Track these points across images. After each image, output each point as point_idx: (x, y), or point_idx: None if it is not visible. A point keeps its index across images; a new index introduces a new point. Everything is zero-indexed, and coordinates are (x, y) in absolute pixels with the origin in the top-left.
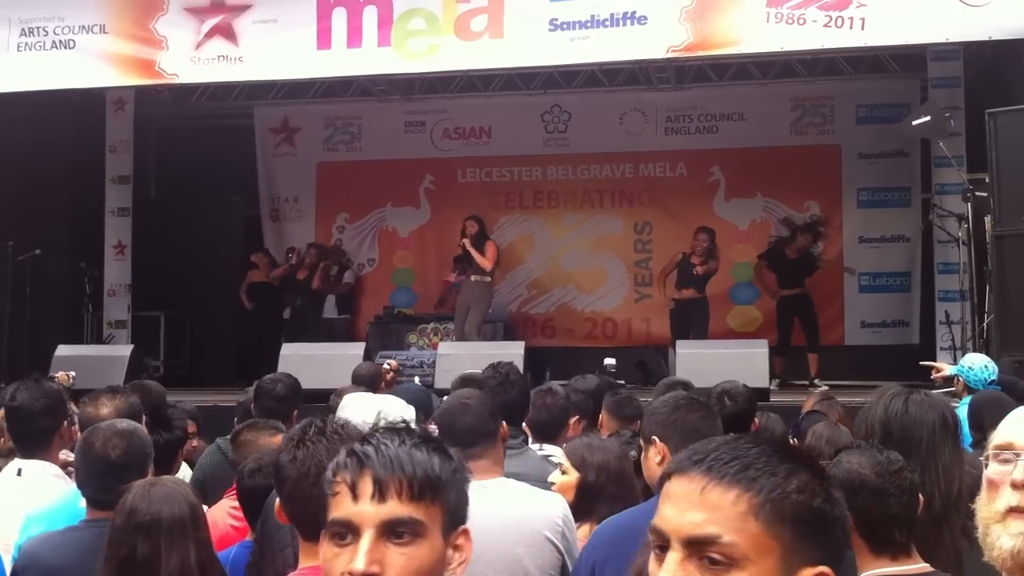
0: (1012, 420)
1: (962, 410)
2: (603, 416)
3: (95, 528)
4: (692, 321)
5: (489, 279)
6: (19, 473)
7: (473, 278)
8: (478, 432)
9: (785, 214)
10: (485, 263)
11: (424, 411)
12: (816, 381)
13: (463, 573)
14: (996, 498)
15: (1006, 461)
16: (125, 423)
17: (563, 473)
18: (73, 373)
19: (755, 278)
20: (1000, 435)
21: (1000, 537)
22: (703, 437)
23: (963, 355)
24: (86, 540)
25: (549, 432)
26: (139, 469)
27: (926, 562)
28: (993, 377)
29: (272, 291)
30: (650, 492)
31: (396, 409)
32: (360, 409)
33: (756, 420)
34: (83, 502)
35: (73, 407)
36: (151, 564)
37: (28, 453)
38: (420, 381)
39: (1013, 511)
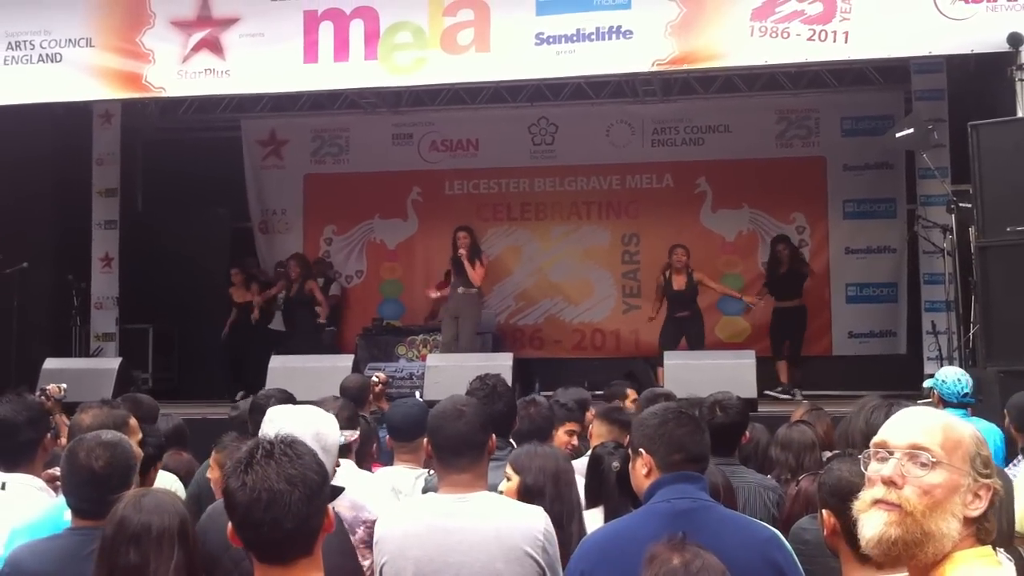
0: (892, 421)
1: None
2: (594, 424)
3: (78, 536)
4: (689, 334)
5: (477, 291)
6: (3, 487)
7: (460, 290)
8: (467, 442)
9: (771, 225)
10: (476, 277)
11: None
12: (795, 391)
13: None
14: (869, 491)
15: (883, 459)
16: (110, 434)
17: (507, 480)
18: (64, 385)
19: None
20: (879, 435)
21: (865, 526)
22: (688, 451)
23: (949, 365)
24: (68, 548)
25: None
26: (122, 480)
27: None
28: (967, 390)
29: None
30: (637, 501)
31: (324, 422)
32: (290, 422)
33: (747, 433)
34: (67, 514)
35: (64, 419)
36: (140, 572)
37: (11, 467)
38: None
39: (878, 502)
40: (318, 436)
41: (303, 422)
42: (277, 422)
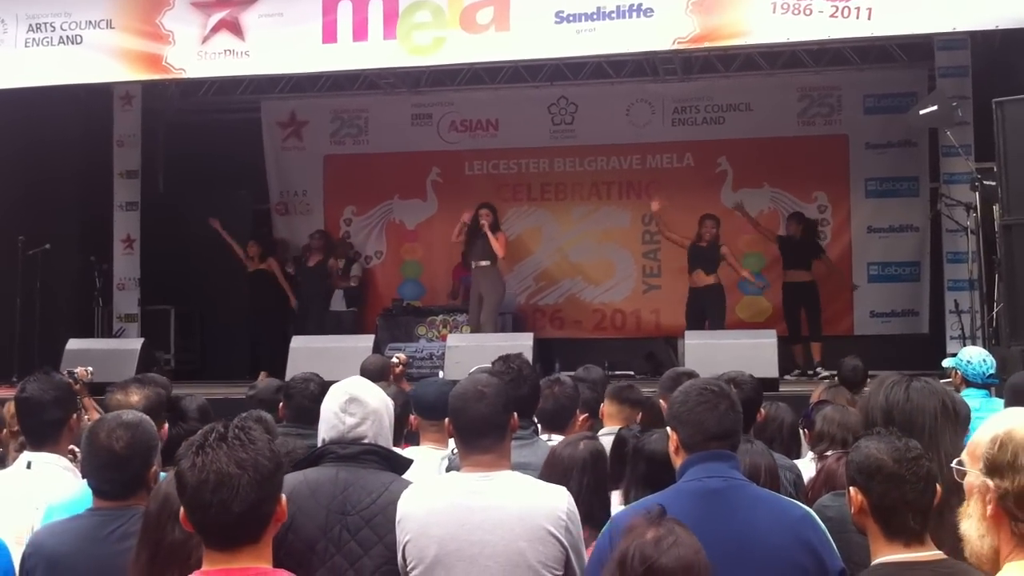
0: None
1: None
2: (606, 404)
3: (98, 517)
4: (708, 309)
5: (493, 264)
6: (28, 466)
7: (480, 264)
8: (490, 423)
9: (792, 204)
10: (499, 248)
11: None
12: (819, 369)
13: None
14: None
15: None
16: (131, 415)
17: None
18: (91, 368)
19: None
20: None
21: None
22: (708, 429)
23: (972, 344)
24: (86, 529)
25: (557, 422)
26: (143, 461)
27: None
28: (991, 371)
29: (275, 283)
30: (672, 478)
31: (387, 396)
32: (362, 391)
33: (762, 410)
34: None
35: (92, 401)
36: (184, 549)
37: (37, 445)
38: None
39: None
40: (387, 406)
41: (378, 393)
42: (351, 389)
